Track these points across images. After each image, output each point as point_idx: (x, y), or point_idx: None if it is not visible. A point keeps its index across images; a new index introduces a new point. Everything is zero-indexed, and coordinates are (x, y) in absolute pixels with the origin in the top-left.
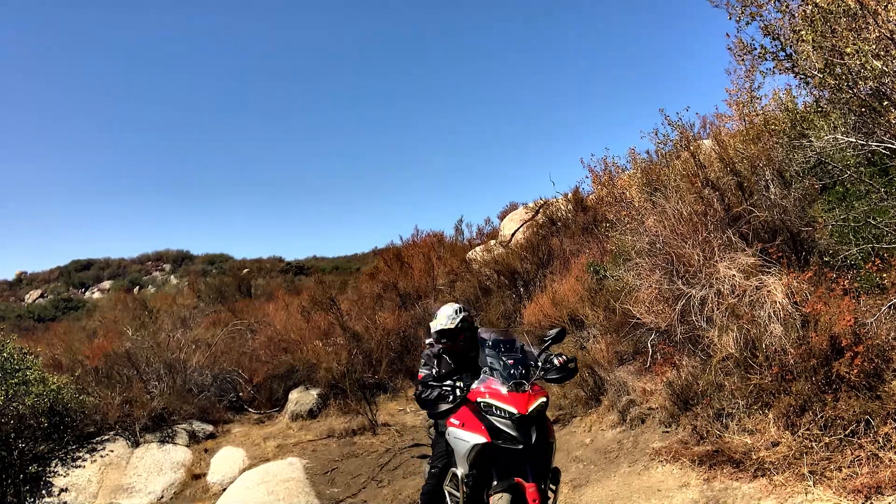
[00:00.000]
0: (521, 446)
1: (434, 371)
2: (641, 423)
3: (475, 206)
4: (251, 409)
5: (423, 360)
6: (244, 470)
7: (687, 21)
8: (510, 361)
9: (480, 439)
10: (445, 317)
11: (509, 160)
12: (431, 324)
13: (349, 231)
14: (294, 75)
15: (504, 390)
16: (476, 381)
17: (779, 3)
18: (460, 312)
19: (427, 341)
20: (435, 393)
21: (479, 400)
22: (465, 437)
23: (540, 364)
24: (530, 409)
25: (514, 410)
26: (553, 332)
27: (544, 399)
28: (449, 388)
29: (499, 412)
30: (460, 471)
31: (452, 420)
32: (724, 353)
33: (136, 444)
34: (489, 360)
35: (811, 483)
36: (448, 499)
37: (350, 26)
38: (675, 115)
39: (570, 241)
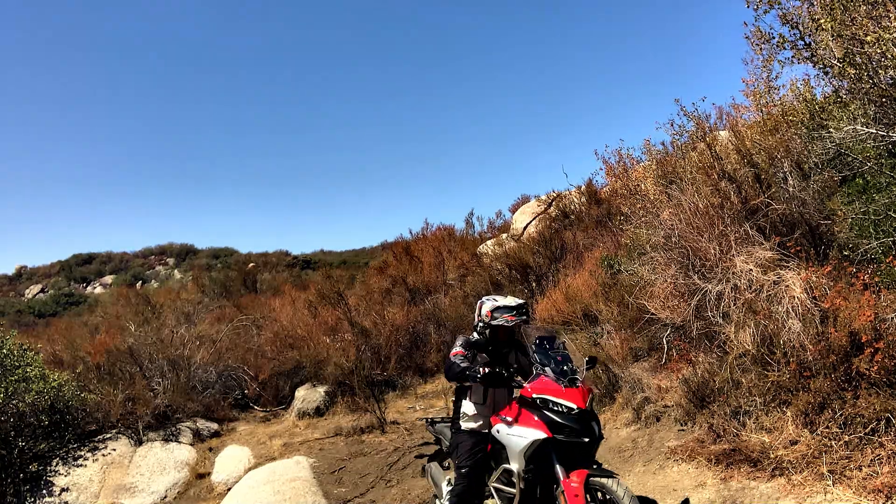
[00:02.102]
0: (586, 439)
1: (468, 355)
2: (657, 421)
3: (486, 199)
4: (257, 406)
5: (459, 340)
6: (250, 469)
7: (703, 10)
8: (559, 358)
9: (540, 434)
10: (511, 299)
11: (521, 152)
12: (500, 302)
13: (357, 224)
14: (303, 67)
15: (561, 386)
16: (529, 379)
17: None
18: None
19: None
20: (463, 367)
21: (535, 396)
22: (521, 433)
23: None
24: (588, 404)
25: (574, 405)
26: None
27: (594, 394)
28: (477, 369)
29: (557, 407)
30: (515, 466)
31: (501, 417)
32: (740, 349)
33: (139, 443)
34: (538, 357)
35: (830, 482)
36: (495, 495)
37: (361, 20)
38: (691, 105)
39: (584, 235)
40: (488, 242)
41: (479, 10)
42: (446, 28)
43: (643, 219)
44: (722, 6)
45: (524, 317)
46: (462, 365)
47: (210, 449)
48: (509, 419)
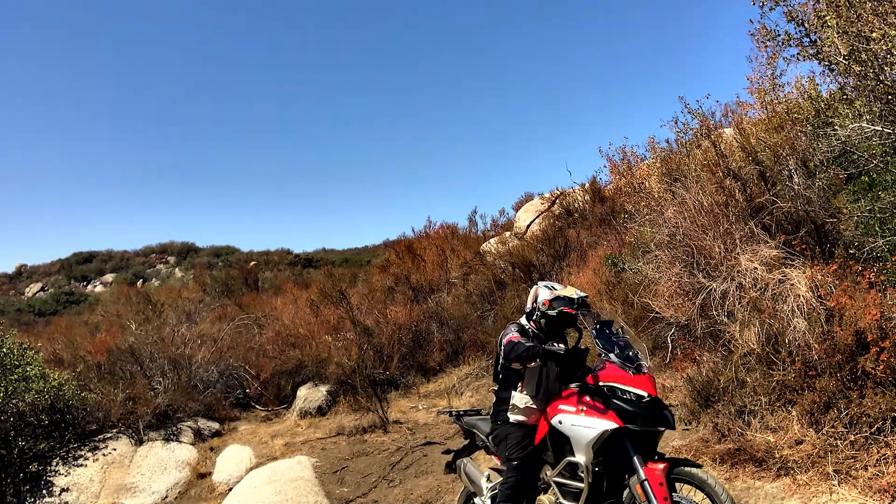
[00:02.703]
0: (661, 428)
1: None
2: None
3: (490, 197)
4: (258, 406)
5: (514, 327)
6: (251, 469)
7: (706, 8)
8: (622, 343)
9: (611, 425)
10: (571, 290)
11: (524, 150)
12: (560, 293)
13: (360, 223)
14: (303, 64)
15: (630, 373)
16: (594, 367)
17: None
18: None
19: (522, 319)
20: (531, 345)
21: (603, 384)
22: (589, 424)
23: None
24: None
25: (644, 393)
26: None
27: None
28: (555, 346)
29: (626, 395)
30: (582, 459)
31: (563, 407)
32: (745, 348)
33: (140, 443)
34: (601, 343)
35: (836, 482)
36: (557, 490)
37: (362, 18)
38: (695, 103)
39: (588, 233)
40: (492, 240)
41: (480, 8)
42: (449, 26)
43: (647, 217)
44: (725, 4)
45: (585, 310)
46: (527, 344)
47: (211, 448)
48: (573, 409)
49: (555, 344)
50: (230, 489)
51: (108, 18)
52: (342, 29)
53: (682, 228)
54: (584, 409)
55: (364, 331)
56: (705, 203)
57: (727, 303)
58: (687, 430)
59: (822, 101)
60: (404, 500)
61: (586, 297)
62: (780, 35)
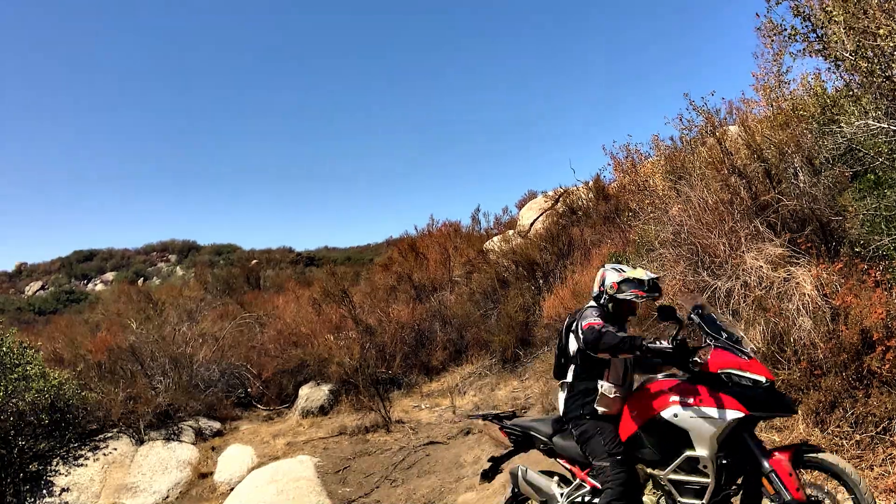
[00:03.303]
0: (789, 414)
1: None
2: None
3: (493, 195)
4: (260, 405)
5: (594, 311)
6: (253, 469)
7: (711, 4)
8: (725, 327)
9: (737, 413)
10: (641, 272)
11: (528, 147)
12: (629, 275)
13: (362, 221)
14: (306, 61)
15: (744, 358)
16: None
17: None
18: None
19: (591, 304)
20: (626, 335)
21: (720, 371)
22: (712, 414)
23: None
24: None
25: (762, 378)
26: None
27: None
28: (662, 340)
29: (743, 381)
30: (705, 452)
31: (676, 398)
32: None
33: (141, 442)
34: (706, 327)
35: None
36: (673, 489)
37: (365, 13)
38: (700, 99)
39: (591, 231)
40: (495, 239)
41: (484, 3)
42: (452, 25)
43: (651, 215)
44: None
45: (656, 293)
46: (620, 334)
47: (213, 448)
48: (689, 400)
49: (659, 342)
50: (231, 489)
51: (107, 12)
52: (345, 26)
53: (687, 226)
54: (704, 398)
55: (366, 330)
56: (710, 201)
57: (732, 301)
58: None
59: (828, 97)
60: (407, 500)
61: (658, 277)
62: (786, 30)
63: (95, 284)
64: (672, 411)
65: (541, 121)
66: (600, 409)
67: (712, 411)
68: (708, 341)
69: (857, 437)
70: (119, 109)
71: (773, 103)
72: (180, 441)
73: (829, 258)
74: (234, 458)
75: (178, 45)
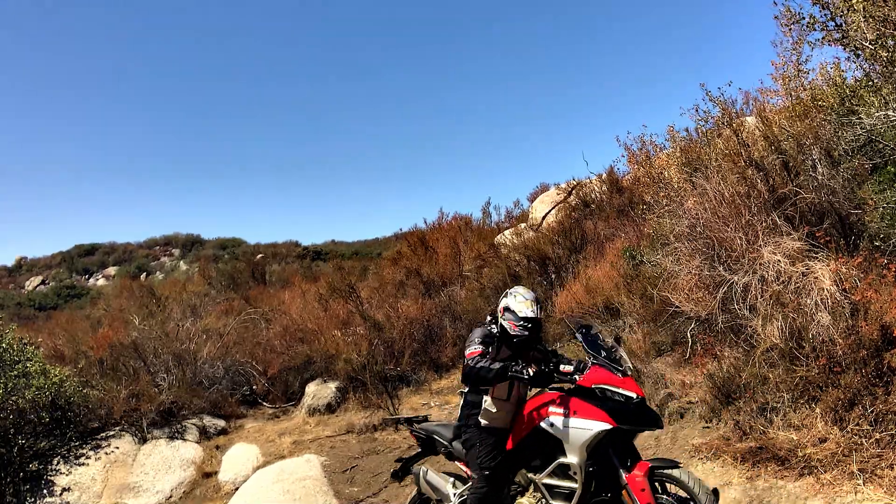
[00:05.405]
0: (654, 429)
1: (489, 352)
2: (680, 417)
3: (504, 188)
4: (265, 403)
5: (477, 337)
6: (258, 468)
7: None
8: (606, 347)
9: (605, 425)
10: (531, 302)
11: (540, 139)
12: (511, 305)
13: (370, 214)
14: (312, 51)
15: (619, 375)
16: (580, 371)
17: None
18: (538, 302)
19: (488, 319)
20: (497, 367)
21: (595, 386)
22: (583, 425)
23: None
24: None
25: (633, 394)
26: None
27: None
28: (522, 370)
29: (616, 397)
30: (575, 459)
31: (554, 409)
32: (768, 343)
33: (144, 441)
34: (587, 347)
35: (861, 482)
36: (545, 493)
37: (372, 4)
38: (716, 90)
39: (605, 225)
40: (506, 232)
41: None
42: (461, 16)
43: (667, 208)
44: None
45: (526, 332)
46: (493, 367)
47: (217, 447)
48: (565, 411)
49: (525, 370)
50: (236, 489)
51: (110, 8)
52: (351, 14)
53: (703, 220)
54: (577, 410)
55: (374, 325)
56: (726, 193)
57: (749, 296)
58: (707, 427)
59: (848, 87)
60: None
61: (538, 318)
62: (804, 18)
63: (97, 279)
64: (550, 421)
65: (553, 112)
66: (483, 422)
67: (583, 422)
68: (588, 359)
69: (877, 436)
70: (122, 102)
71: (792, 93)
72: (184, 440)
73: (848, 252)
74: (238, 457)
75: (182, 39)
